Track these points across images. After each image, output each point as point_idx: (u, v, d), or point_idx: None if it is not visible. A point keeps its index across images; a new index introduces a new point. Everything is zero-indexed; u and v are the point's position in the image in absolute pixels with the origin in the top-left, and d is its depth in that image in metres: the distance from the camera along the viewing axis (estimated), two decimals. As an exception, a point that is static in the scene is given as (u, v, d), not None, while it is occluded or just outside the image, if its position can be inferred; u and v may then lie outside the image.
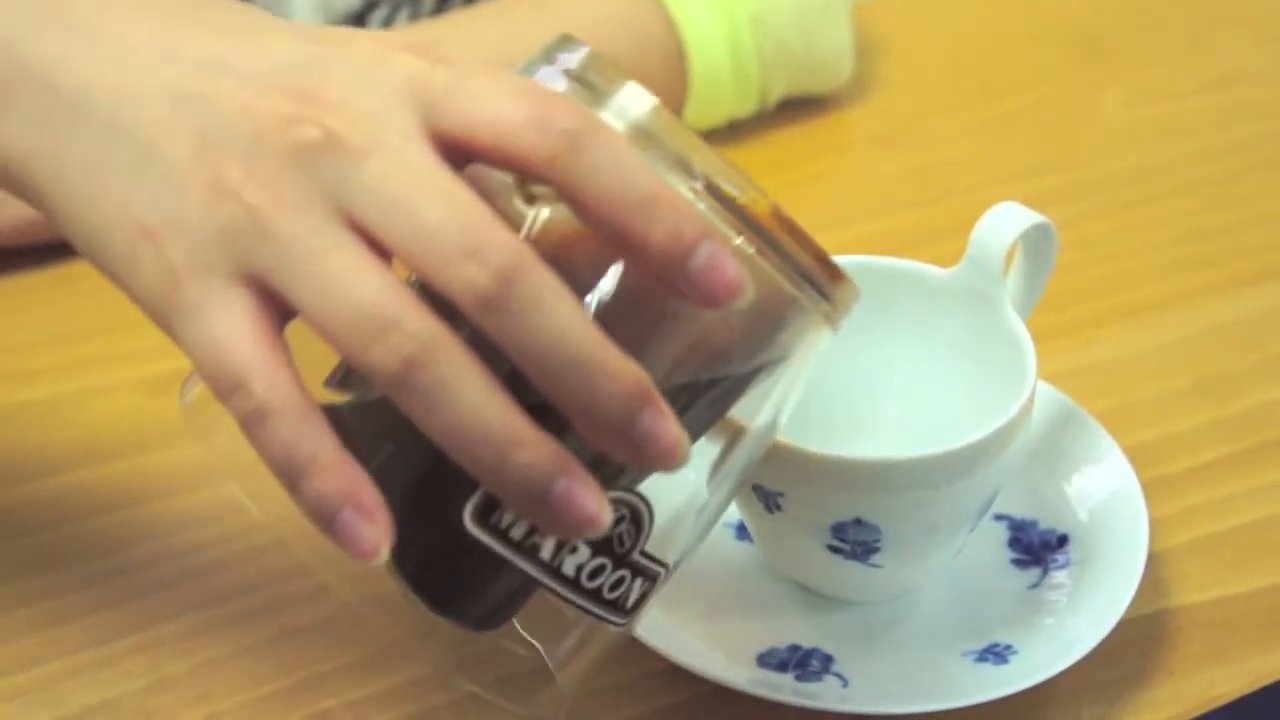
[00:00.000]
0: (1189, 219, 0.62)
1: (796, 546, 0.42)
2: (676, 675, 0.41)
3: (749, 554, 0.46)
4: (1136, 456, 0.47)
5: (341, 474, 0.31)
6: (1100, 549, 0.44)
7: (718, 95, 0.64)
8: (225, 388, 0.31)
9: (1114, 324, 0.56)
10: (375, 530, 0.30)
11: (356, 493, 0.30)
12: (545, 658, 0.35)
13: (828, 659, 0.42)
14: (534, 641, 0.35)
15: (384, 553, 0.30)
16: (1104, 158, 0.66)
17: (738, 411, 0.36)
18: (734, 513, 0.45)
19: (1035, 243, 0.45)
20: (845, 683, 0.42)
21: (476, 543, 0.32)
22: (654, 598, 0.35)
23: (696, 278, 0.31)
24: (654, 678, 0.43)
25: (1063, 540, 0.45)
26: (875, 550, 0.41)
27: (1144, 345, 0.55)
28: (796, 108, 0.67)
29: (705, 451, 0.36)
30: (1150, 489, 0.47)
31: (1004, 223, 0.44)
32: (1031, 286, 0.46)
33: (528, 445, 0.30)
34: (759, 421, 0.36)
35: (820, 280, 0.35)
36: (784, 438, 0.39)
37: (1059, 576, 0.44)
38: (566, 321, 0.30)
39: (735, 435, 0.36)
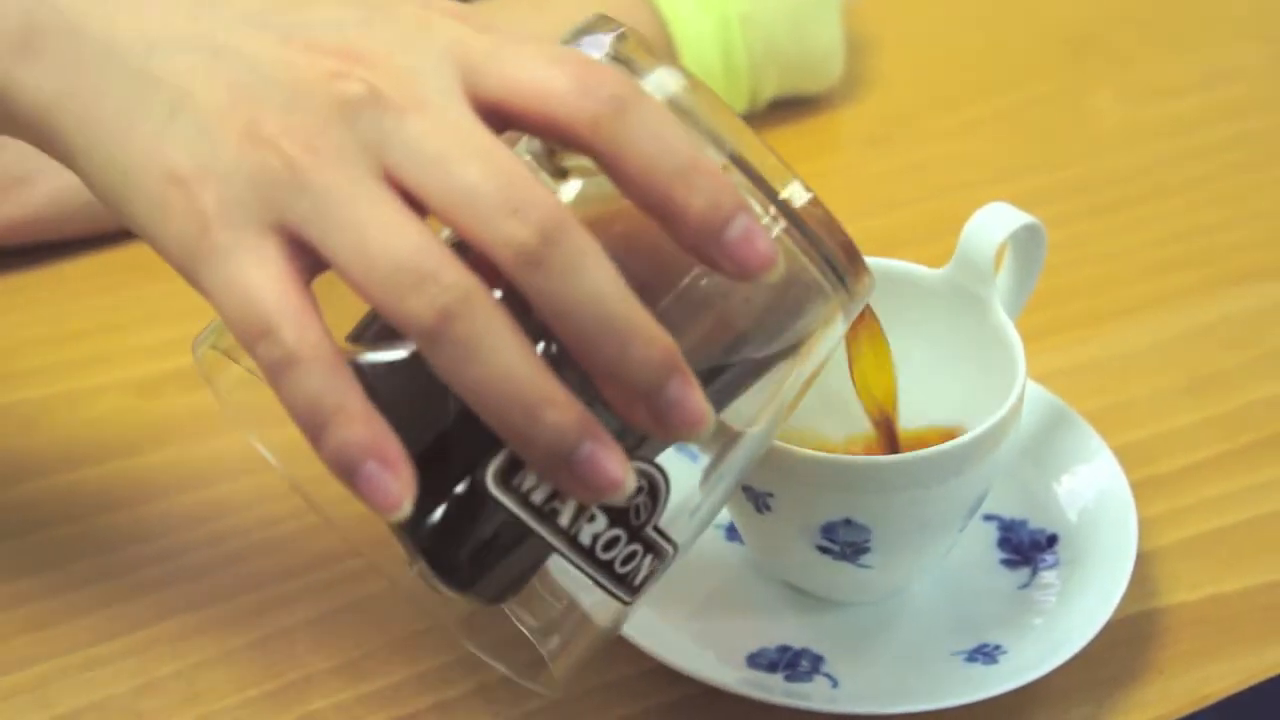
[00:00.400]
0: (1180, 218, 0.62)
1: (786, 547, 0.42)
2: (667, 675, 0.41)
3: (739, 554, 0.46)
4: (1128, 456, 0.47)
5: (367, 426, 0.30)
6: (1090, 549, 0.44)
7: (708, 94, 0.64)
8: (253, 334, 0.30)
9: (1106, 323, 0.56)
10: (399, 484, 0.30)
11: (382, 445, 0.30)
12: (536, 645, 0.35)
13: (818, 659, 0.42)
14: (525, 630, 0.35)
15: (406, 507, 0.30)
16: (1095, 157, 0.66)
17: (747, 399, 0.36)
18: (724, 514, 0.45)
19: (1025, 243, 0.45)
20: (835, 683, 0.42)
21: (494, 509, 0.32)
22: (658, 580, 0.35)
23: (731, 248, 0.31)
24: (644, 678, 0.43)
25: (1052, 540, 0.45)
26: (865, 551, 0.41)
27: (1136, 344, 0.55)
28: (788, 107, 0.67)
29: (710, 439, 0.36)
30: (1141, 488, 0.47)
31: (993, 223, 0.44)
32: (1021, 286, 0.46)
33: (557, 405, 0.30)
34: (765, 410, 0.36)
35: (842, 268, 0.35)
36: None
37: (1048, 576, 0.44)
38: (604, 283, 0.30)
39: (742, 426, 0.36)
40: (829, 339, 0.36)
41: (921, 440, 0.43)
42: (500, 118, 0.32)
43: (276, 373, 0.30)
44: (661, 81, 0.34)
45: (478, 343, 0.30)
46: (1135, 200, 0.63)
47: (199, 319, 0.56)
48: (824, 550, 0.41)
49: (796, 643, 0.43)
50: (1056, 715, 0.42)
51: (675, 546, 0.35)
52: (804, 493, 0.40)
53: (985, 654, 0.42)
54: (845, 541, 0.41)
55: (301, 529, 0.48)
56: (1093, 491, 0.46)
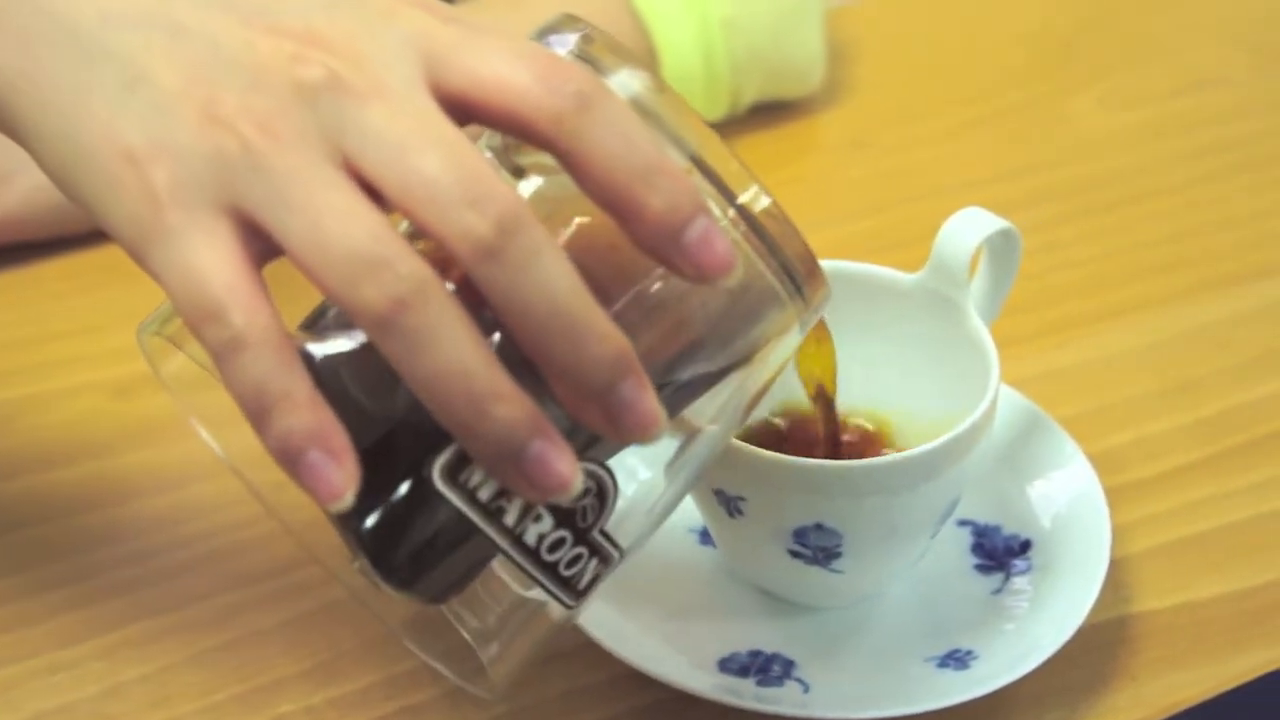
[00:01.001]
0: (1159, 223, 0.62)
1: (758, 551, 0.42)
2: (638, 680, 0.41)
3: (712, 559, 0.46)
4: (1105, 461, 0.47)
5: (313, 413, 0.30)
6: (1062, 554, 0.44)
7: (688, 98, 0.63)
8: (201, 316, 0.30)
9: (1084, 328, 0.56)
10: (342, 474, 0.30)
11: (326, 434, 0.30)
12: (475, 648, 0.35)
13: (789, 664, 0.42)
14: (465, 633, 0.35)
15: (348, 498, 0.30)
16: (1075, 162, 0.66)
17: (698, 406, 0.36)
18: (698, 518, 0.44)
19: (999, 248, 0.45)
20: (806, 688, 0.41)
21: (439, 505, 0.32)
22: (602, 584, 0.35)
23: (689, 250, 0.31)
24: (615, 683, 0.43)
25: (1026, 546, 0.45)
26: (837, 555, 0.41)
27: (1114, 349, 0.55)
28: (768, 112, 0.67)
29: (661, 444, 0.36)
30: (1117, 494, 0.47)
31: (968, 228, 0.44)
32: (996, 291, 0.46)
33: (508, 401, 0.30)
34: (718, 417, 0.36)
35: (800, 277, 0.35)
36: (745, 442, 0.39)
37: (1021, 582, 0.44)
38: (560, 279, 0.30)
39: (692, 431, 0.36)
40: (784, 348, 0.36)
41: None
42: (462, 111, 0.32)
43: (223, 356, 0.30)
44: (625, 82, 0.33)
45: (430, 334, 0.29)
46: (1113, 206, 0.63)
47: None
48: (795, 555, 0.41)
49: (768, 647, 0.43)
50: (1028, 721, 0.42)
51: (621, 551, 0.35)
52: (775, 497, 0.40)
53: (957, 659, 0.42)
54: (817, 546, 0.41)
55: (274, 532, 0.48)
56: (1067, 497, 0.46)
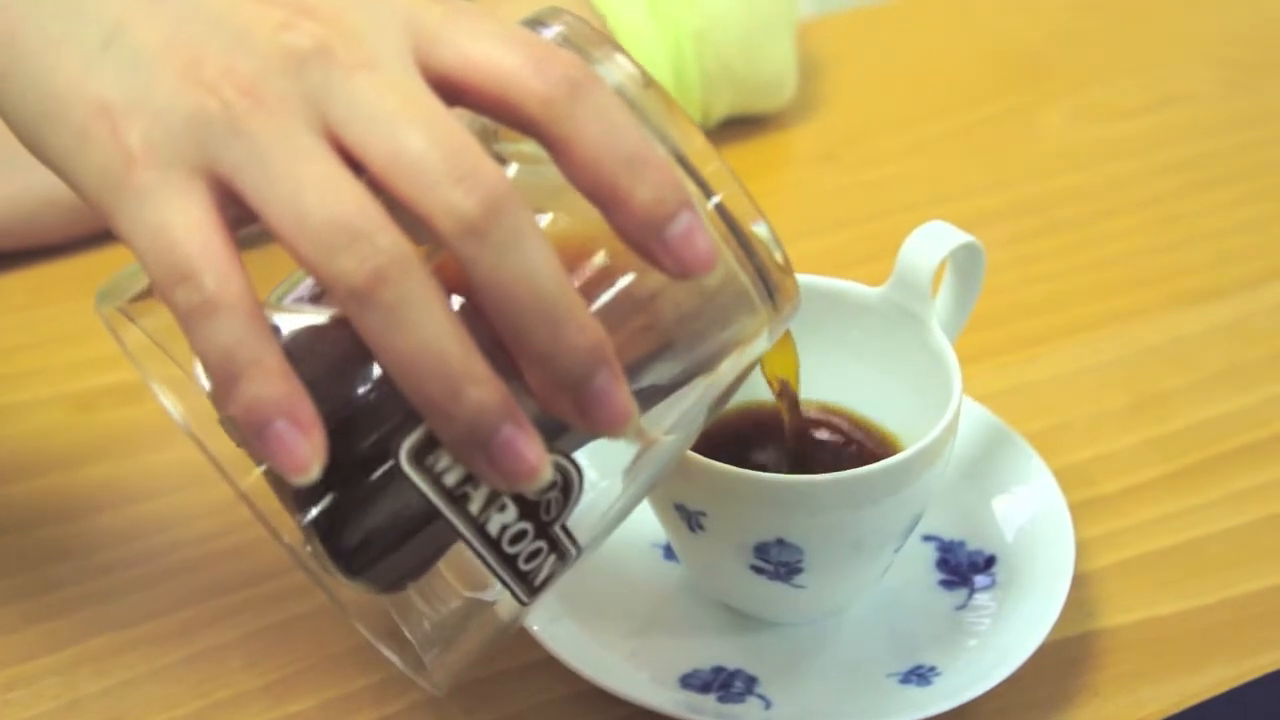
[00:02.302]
0: (1127, 238, 0.62)
1: (720, 567, 0.42)
2: (600, 697, 0.41)
3: (676, 574, 0.45)
4: (1069, 477, 0.47)
5: (284, 383, 0.29)
6: (1025, 570, 0.44)
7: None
8: (172, 278, 0.29)
9: (1051, 343, 0.56)
10: (309, 446, 0.29)
11: (295, 405, 0.29)
12: (414, 644, 0.34)
13: (751, 680, 0.42)
14: (404, 628, 0.34)
15: (314, 470, 0.29)
16: (1043, 177, 0.66)
17: (658, 411, 0.35)
18: (661, 533, 0.44)
19: (963, 262, 0.45)
20: (768, 704, 0.41)
21: (401, 489, 0.31)
22: (556, 583, 0.35)
23: (672, 244, 0.31)
24: (577, 699, 0.42)
25: (990, 561, 0.45)
26: (798, 571, 0.41)
27: (1081, 364, 0.55)
28: (739, 125, 0.67)
29: (618, 448, 0.35)
30: (1081, 510, 0.47)
31: (931, 242, 0.44)
32: (960, 306, 0.46)
33: (481, 384, 0.29)
34: (678, 423, 0.36)
35: (773, 282, 0.34)
36: (705, 456, 0.39)
37: (984, 598, 0.44)
38: (542, 263, 0.30)
39: (651, 438, 0.36)
40: (749, 354, 0.36)
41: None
42: (449, 92, 0.31)
43: (193, 319, 0.29)
44: (612, 73, 0.33)
45: (407, 310, 0.29)
46: (1082, 221, 0.63)
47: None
48: (758, 570, 0.41)
49: (731, 663, 0.43)
50: (991, 737, 0.42)
51: (578, 549, 0.34)
52: (735, 511, 0.40)
53: (920, 675, 0.42)
54: (778, 561, 0.40)
55: (235, 545, 0.47)
56: (1031, 513, 0.45)
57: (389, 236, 0.29)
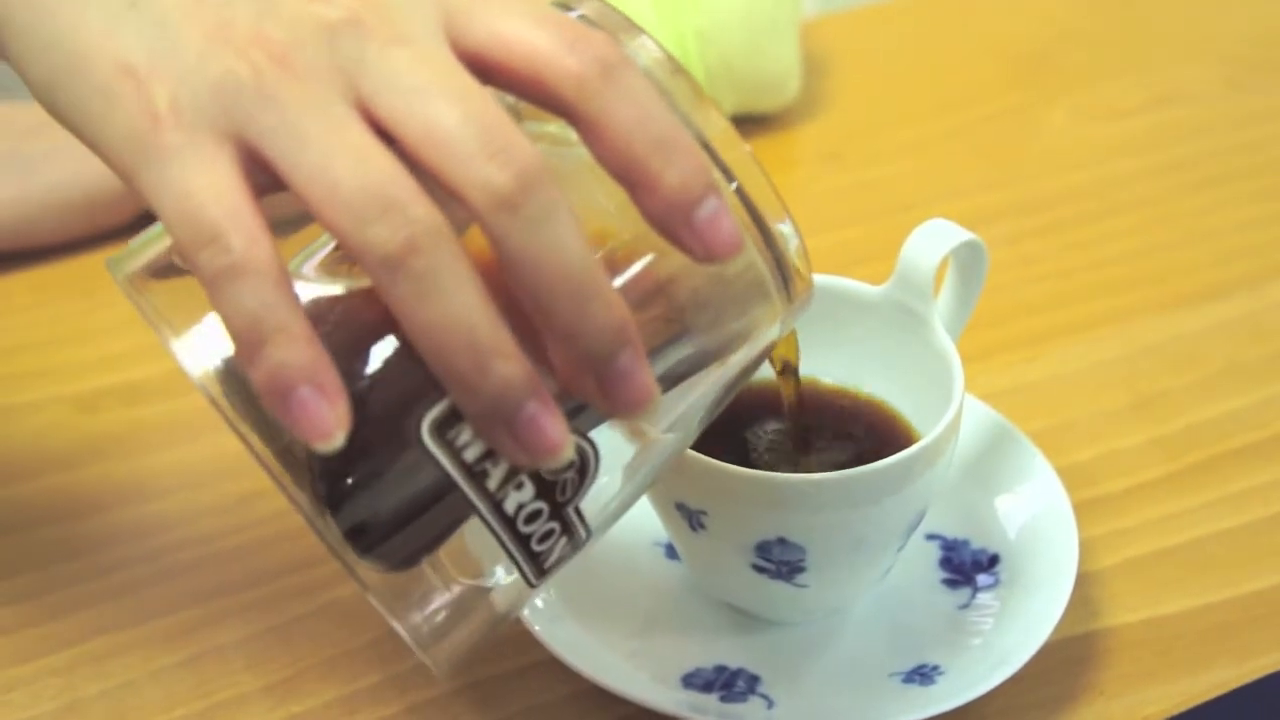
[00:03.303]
0: (1130, 237, 0.62)
1: (722, 566, 0.42)
2: (601, 697, 0.41)
3: (678, 574, 0.45)
4: (1073, 476, 0.47)
5: (310, 349, 0.29)
6: (1029, 569, 0.44)
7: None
8: (199, 240, 0.29)
9: (1054, 342, 0.56)
10: (335, 413, 0.29)
11: (321, 372, 0.29)
12: (405, 635, 0.33)
13: (754, 679, 0.42)
14: (389, 616, 0.33)
15: (338, 438, 0.29)
16: (1046, 175, 0.66)
17: (665, 403, 0.35)
18: (663, 532, 0.44)
19: (965, 261, 0.45)
20: (771, 704, 0.41)
21: (419, 463, 0.31)
22: (562, 568, 0.34)
23: (699, 228, 0.31)
24: (578, 699, 0.42)
25: (994, 560, 0.45)
26: (800, 570, 0.41)
27: (1084, 363, 0.55)
28: (742, 124, 0.67)
29: (619, 444, 0.35)
30: (1085, 509, 0.47)
31: (933, 240, 0.44)
32: (962, 304, 0.46)
33: (509, 358, 0.29)
34: (681, 418, 0.36)
35: (789, 272, 0.34)
36: (707, 456, 0.39)
37: (987, 597, 0.44)
38: (574, 240, 0.29)
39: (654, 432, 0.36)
40: (762, 342, 0.35)
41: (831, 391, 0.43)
42: (479, 70, 0.31)
43: (220, 282, 0.29)
44: (640, 56, 0.33)
45: (438, 280, 0.29)
46: (1084, 220, 0.63)
47: (137, 334, 0.56)
48: (759, 569, 0.41)
49: (733, 663, 0.42)
50: (994, 737, 0.42)
51: (588, 533, 0.34)
52: (737, 511, 0.40)
53: (923, 674, 0.42)
54: (780, 560, 0.40)
55: (236, 546, 0.47)
56: (1034, 512, 0.45)
57: (422, 207, 0.29)
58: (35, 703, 0.43)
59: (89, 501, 0.49)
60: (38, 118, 0.60)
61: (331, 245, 0.33)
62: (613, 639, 0.43)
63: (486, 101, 0.30)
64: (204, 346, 0.31)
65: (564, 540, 0.34)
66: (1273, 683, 0.43)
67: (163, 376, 0.54)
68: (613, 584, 0.44)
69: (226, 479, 0.49)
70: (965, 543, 0.46)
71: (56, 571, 0.47)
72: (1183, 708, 0.42)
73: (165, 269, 0.32)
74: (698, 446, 0.38)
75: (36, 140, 0.59)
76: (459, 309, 0.29)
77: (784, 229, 0.34)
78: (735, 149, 0.33)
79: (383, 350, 0.31)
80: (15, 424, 0.53)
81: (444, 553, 0.34)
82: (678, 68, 0.34)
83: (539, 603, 0.42)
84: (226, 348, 0.30)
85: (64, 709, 0.42)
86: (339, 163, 0.29)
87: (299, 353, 0.29)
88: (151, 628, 0.45)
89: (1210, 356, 0.55)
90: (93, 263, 0.59)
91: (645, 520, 0.43)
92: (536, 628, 0.41)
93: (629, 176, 0.31)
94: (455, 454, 0.31)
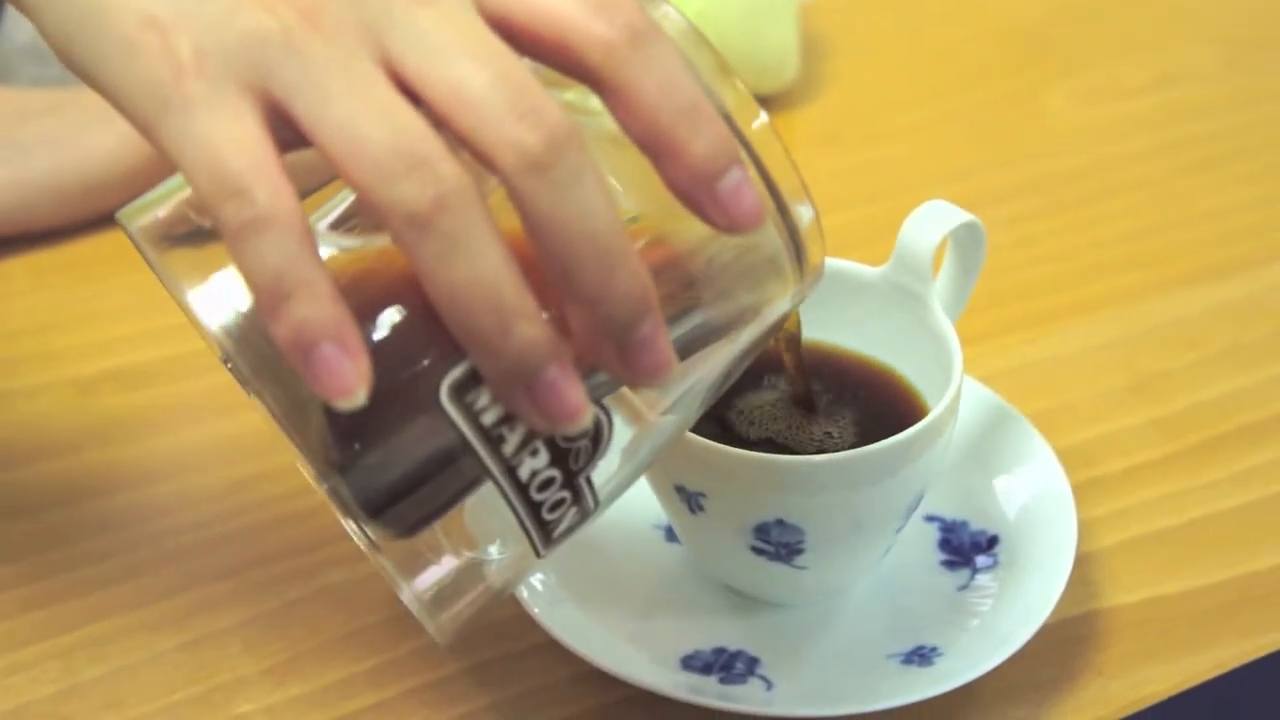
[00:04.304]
0: (1130, 218, 0.62)
1: (721, 548, 0.42)
2: (601, 679, 0.41)
3: (678, 556, 0.45)
4: (1072, 457, 0.47)
5: (333, 306, 0.28)
6: (1028, 550, 0.44)
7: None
8: (223, 192, 0.28)
9: (1053, 323, 0.56)
10: (357, 369, 0.28)
11: (343, 329, 0.28)
12: (410, 599, 0.33)
13: (753, 661, 0.42)
14: (403, 580, 0.33)
15: (360, 395, 0.28)
16: (1046, 157, 0.65)
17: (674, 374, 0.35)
18: (662, 515, 0.44)
19: (964, 241, 0.45)
20: (770, 685, 0.41)
21: (436, 426, 0.31)
22: (569, 539, 0.34)
23: (722, 197, 0.30)
24: (578, 681, 0.42)
25: (993, 541, 0.45)
26: (799, 552, 0.41)
27: (1083, 344, 0.55)
28: (739, 106, 0.66)
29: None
30: (1084, 489, 0.47)
31: (931, 221, 0.43)
32: (961, 285, 0.46)
33: (532, 320, 0.29)
34: (683, 398, 0.36)
35: (803, 248, 0.34)
36: (705, 438, 0.39)
37: (986, 578, 0.44)
38: (602, 205, 0.29)
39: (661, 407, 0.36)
40: (774, 315, 0.35)
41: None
42: (503, 35, 0.30)
43: (243, 236, 0.28)
44: (666, 25, 0.33)
45: (465, 240, 0.28)
46: (1085, 201, 0.62)
47: (136, 318, 0.56)
48: (758, 551, 0.41)
49: (732, 645, 0.42)
50: (994, 717, 0.41)
51: (596, 504, 0.34)
52: (735, 492, 0.40)
53: (921, 656, 0.42)
54: (779, 542, 0.40)
55: (235, 530, 0.47)
56: (1034, 493, 0.45)
57: (450, 165, 0.28)
58: (35, 687, 0.43)
59: (88, 486, 0.49)
60: (34, 102, 0.61)
61: (343, 207, 0.32)
62: (612, 621, 0.43)
63: (514, 63, 0.29)
64: (220, 301, 0.30)
65: (573, 510, 0.33)
66: (1272, 663, 0.43)
67: (162, 361, 0.54)
68: (612, 567, 0.44)
69: (225, 464, 0.49)
70: (964, 524, 0.46)
71: (55, 556, 0.47)
72: (1182, 688, 0.42)
73: (178, 223, 0.32)
74: (701, 425, 0.38)
75: (33, 124, 0.59)
76: (484, 269, 0.28)
77: (800, 204, 0.34)
78: (755, 122, 0.33)
79: (401, 311, 0.31)
80: (14, 409, 0.53)
81: (446, 523, 0.34)
82: (701, 39, 0.33)
83: (539, 586, 0.42)
84: (241, 302, 0.30)
85: (63, 693, 0.42)
86: (366, 119, 0.29)
87: (322, 309, 0.28)
88: (150, 612, 0.45)
89: (1210, 337, 0.55)
90: (91, 247, 0.59)
91: (645, 503, 0.43)
92: (536, 610, 0.41)
93: (654, 145, 0.30)
94: (473, 417, 0.31)
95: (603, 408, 0.33)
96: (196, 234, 0.31)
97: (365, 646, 0.43)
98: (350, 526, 0.33)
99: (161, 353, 0.54)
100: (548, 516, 0.33)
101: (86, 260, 0.59)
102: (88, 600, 0.45)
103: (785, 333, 0.42)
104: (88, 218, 0.59)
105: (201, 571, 0.46)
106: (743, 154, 0.33)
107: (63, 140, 0.58)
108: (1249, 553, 0.46)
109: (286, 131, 0.29)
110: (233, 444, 0.50)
